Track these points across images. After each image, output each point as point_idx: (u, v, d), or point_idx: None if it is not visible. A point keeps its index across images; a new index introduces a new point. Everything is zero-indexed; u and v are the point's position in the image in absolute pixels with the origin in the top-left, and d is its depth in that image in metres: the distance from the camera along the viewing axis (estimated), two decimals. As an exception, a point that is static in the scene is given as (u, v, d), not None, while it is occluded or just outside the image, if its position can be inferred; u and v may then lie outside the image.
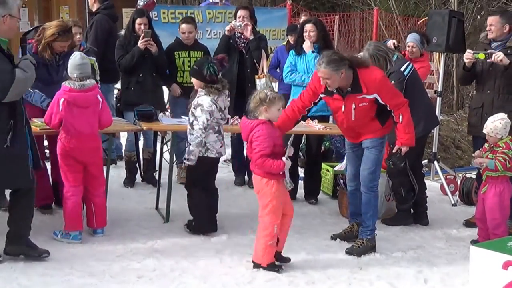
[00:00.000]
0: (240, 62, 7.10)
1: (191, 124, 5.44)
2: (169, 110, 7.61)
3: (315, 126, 6.30)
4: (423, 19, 11.50)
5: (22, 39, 5.11)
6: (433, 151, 7.87)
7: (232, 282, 4.74)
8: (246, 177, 7.36)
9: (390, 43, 6.84)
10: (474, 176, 7.17)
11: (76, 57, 5.29)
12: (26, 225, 4.88)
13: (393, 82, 5.68)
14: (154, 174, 7.07)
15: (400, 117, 5.19)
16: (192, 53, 7.12)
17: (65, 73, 5.43)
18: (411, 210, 6.33)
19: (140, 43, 6.72)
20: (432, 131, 7.47)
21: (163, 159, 6.50)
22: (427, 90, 7.42)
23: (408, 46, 6.94)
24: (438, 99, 7.82)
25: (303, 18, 9.18)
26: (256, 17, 7.30)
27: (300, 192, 6.78)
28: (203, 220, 5.63)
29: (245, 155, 7.19)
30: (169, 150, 6.34)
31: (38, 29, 5.80)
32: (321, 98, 5.31)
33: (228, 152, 7.49)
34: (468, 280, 4.69)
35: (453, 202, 7.17)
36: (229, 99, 5.64)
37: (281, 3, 13.82)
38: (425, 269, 5.16)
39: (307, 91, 5.35)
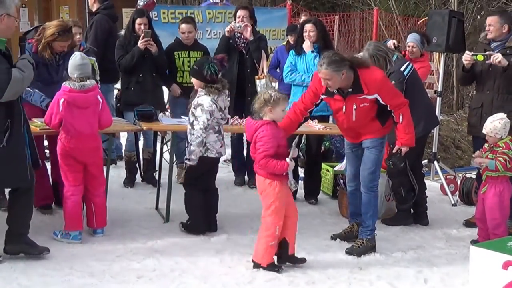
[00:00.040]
0: (240, 62, 7.09)
1: (191, 124, 5.44)
2: (169, 110, 7.61)
3: (315, 126, 6.30)
4: (423, 19, 11.49)
5: (21, 38, 5.10)
6: (433, 151, 7.86)
7: (232, 282, 4.73)
8: (246, 177, 7.36)
9: (390, 43, 6.83)
10: (474, 176, 7.16)
11: (76, 58, 5.29)
12: (25, 223, 4.87)
13: (393, 82, 5.67)
14: (154, 174, 7.07)
15: (401, 117, 5.19)
16: (192, 53, 7.11)
17: (65, 73, 5.43)
18: (411, 210, 6.32)
19: (140, 43, 6.71)
20: (432, 131, 7.46)
21: (163, 159, 6.50)
22: (427, 90, 7.42)
23: (408, 46, 6.94)
24: (438, 99, 7.82)
25: (303, 18, 9.19)
26: (256, 17, 7.29)
27: (300, 192, 6.75)
28: (198, 220, 5.63)
29: (245, 155, 7.21)
30: (169, 150, 6.33)
31: (38, 29, 5.78)
32: (322, 99, 5.32)
33: (228, 152, 7.49)
34: (468, 280, 4.69)
35: (453, 202, 7.16)
36: (229, 99, 5.64)
37: (281, 3, 13.81)
38: (425, 269, 5.16)
39: (308, 92, 5.35)
